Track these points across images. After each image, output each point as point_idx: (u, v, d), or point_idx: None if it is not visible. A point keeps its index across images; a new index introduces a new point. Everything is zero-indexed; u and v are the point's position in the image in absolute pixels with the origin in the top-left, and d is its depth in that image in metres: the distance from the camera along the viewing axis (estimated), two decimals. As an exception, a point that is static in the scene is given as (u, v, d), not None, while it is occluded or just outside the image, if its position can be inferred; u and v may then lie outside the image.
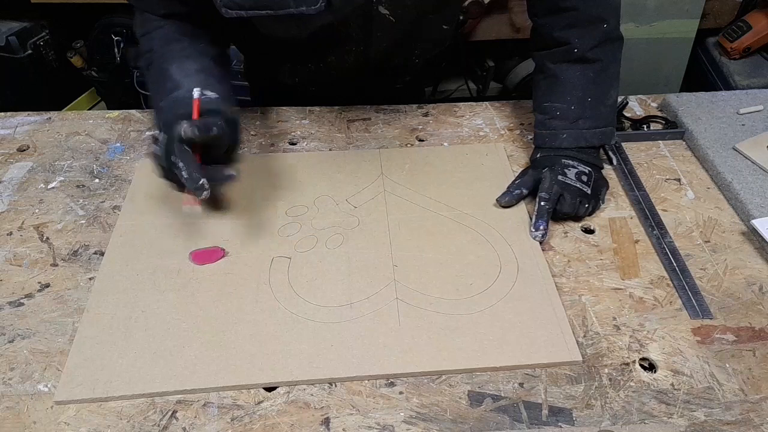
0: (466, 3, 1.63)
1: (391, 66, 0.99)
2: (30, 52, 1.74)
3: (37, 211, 0.81)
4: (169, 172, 0.69)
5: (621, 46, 0.82)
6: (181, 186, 0.69)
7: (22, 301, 0.69)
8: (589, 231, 0.78)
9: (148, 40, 0.81)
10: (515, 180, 0.82)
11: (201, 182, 0.65)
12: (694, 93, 1.00)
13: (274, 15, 0.72)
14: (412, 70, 1.06)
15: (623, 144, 0.92)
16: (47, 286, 0.70)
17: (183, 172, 0.66)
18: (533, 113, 0.88)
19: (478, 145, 0.93)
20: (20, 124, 0.97)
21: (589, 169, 0.81)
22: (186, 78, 0.75)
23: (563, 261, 0.74)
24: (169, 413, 0.58)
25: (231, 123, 0.72)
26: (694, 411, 0.58)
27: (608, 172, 0.87)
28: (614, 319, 0.67)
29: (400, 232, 0.77)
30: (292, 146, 0.93)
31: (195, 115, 0.68)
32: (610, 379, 0.61)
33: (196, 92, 0.69)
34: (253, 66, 1.10)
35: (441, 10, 0.88)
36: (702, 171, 0.88)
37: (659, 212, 0.80)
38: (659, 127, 0.96)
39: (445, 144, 0.93)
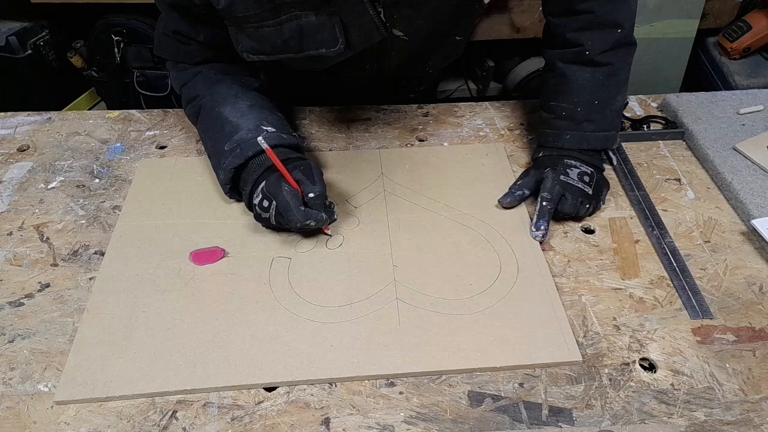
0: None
1: (405, 78, 1.00)
2: (30, 52, 1.73)
3: (37, 211, 0.81)
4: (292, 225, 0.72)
5: (633, 51, 0.81)
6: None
7: (22, 301, 0.69)
8: (589, 231, 0.78)
9: (190, 88, 0.84)
10: (517, 181, 0.82)
11: (326, 218, 0.72)
12: (694, 93, 1.00)
13: (295, 57, 0.74)
14: (425, 81, 1.07)
15: (623, 144, 0.92)
16: (47, 286, 0.70)
17: (312, 224, 0.71)
18: (539, 111, 0.87)
19: (479, 145, 0.93)
20: (20, 124, 0.97)
21: (591, 169, 0.81)
22: (242, 118, 0.78)
23: (563, 261, 0.74)
24: (169, 413, 0.58)
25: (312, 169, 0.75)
26: (694, 411, 0.58)
27: (608, 172, 0.87)
28: (614, 319, 0.67)
29: (400, 232, 0.77)
30: (292, 146, 0.93)
31: (277, 163, 0.71)
32: (610, 379, 0.61)
33: (263, 143, 0.71)
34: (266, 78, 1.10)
35: (454, 25, 0.88)
36: (702, 171, 0.88)
37: (659, 212, 0.80)
38: (659, 127, 0.96)
39: (445, 144, 0.93)
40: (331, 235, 0.75)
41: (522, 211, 0.80)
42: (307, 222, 0.70)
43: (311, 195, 0.71)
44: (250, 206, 0.77)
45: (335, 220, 0.75)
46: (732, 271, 0.72)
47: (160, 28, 0.82)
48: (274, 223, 0.73)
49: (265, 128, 0.76)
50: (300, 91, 1.04)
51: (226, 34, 0.76)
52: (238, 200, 0.80)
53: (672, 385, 0.60)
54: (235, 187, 0.78)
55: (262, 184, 0.73)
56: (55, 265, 0.73)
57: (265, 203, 0.72)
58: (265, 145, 0.71)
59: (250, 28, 0.72)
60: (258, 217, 0.74)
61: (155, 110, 1.01)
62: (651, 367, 0.62)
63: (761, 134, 0.89)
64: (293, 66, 0.80)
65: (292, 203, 0.69)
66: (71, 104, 1.92)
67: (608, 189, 0.83)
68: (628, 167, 0.88)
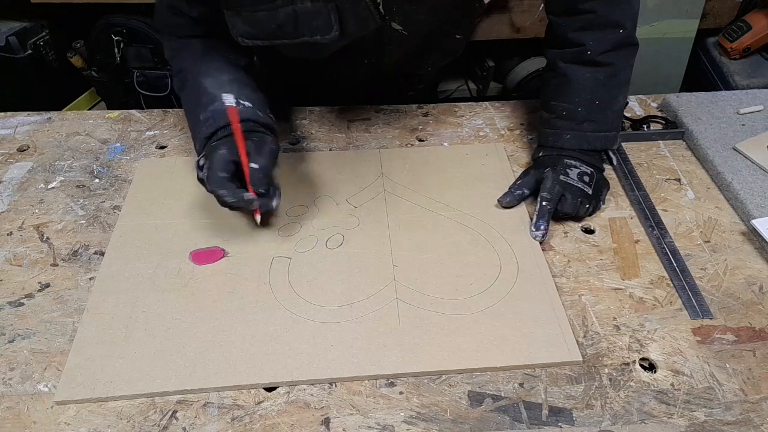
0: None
1: (404, 75, 0.99)
2: (30, 52, 1.73)
3: (37, 211, 0.81)
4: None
5: (635, 52, 0.81)
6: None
7: (22, 301, 0.69)
8: (589, 231, 0.78)
9: (178, 60, 0.83)
10: (517, 180, 0.82)
11: (251, 199, 0.70)
12: (694, 93, 1.00)
13: (290, 43, 0.74)
14: (424, 79, 1.07)
15: (623, 144, 0.92)
16: (47, 286, 0.70)
17: (227, 197, 0.69)
18: (539, 110, 0.87)
19: (479, 145, 0.93)
20: (20, 124, 0.97)
21: (591, 169, 0.81)
22: (220, 89, 0.76)
23: (563, 261, 0.74)
24: (169, 413, 0.58)
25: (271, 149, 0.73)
26: (694, 411, 0.58)
27: (608, 172, 0.87)
28: (614, 319, 0.67)
29: (400, 232, 0.77)
30: (292, 146, 0.93)
31: (234, 125, 0.69)
32: (610, 379, 0.61)
33: (229, 100, 0.71)
34: (265, 71, 1.10)
35: (454, 24, 0.88)
36: (702, 171, 0.88)
37: (659, 212, 0.80)
38: (659, 127, 0.96)
39: (445, 144, 0.93)
40: (258, 223, 0.74)
41: (522, 211, 0.80)
42: (220, 192, 0.68)
43: (253, 166, 0.69)
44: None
45: (272, 209, 0.73)
46: (732, 271, 0.72)
47: (158, 1, 0.82)
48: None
49: (243, 102, 0.75)
50: (299, 88, 1.04)
51: (219, 16, 0.76)
52: None
53: (672, 385, 0.60)
54: None
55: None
56: (55, 265, 0.73)
57: (201, 161, 0.71)
58: (228, 103, 0.70)
59: (246, 11, 0.72)
60: (198, 178, 0.73)
61: (155, 110, 1.01)
62: (651, 367, 0.62)
63: (761, 134, 0.89)
64: (289, 53, 0.80)
65: (216, 165, 0.68)
66: (71, 104, 1.92)
67: (608, 189, 0.83)
68: (628, 167, 0.88)
